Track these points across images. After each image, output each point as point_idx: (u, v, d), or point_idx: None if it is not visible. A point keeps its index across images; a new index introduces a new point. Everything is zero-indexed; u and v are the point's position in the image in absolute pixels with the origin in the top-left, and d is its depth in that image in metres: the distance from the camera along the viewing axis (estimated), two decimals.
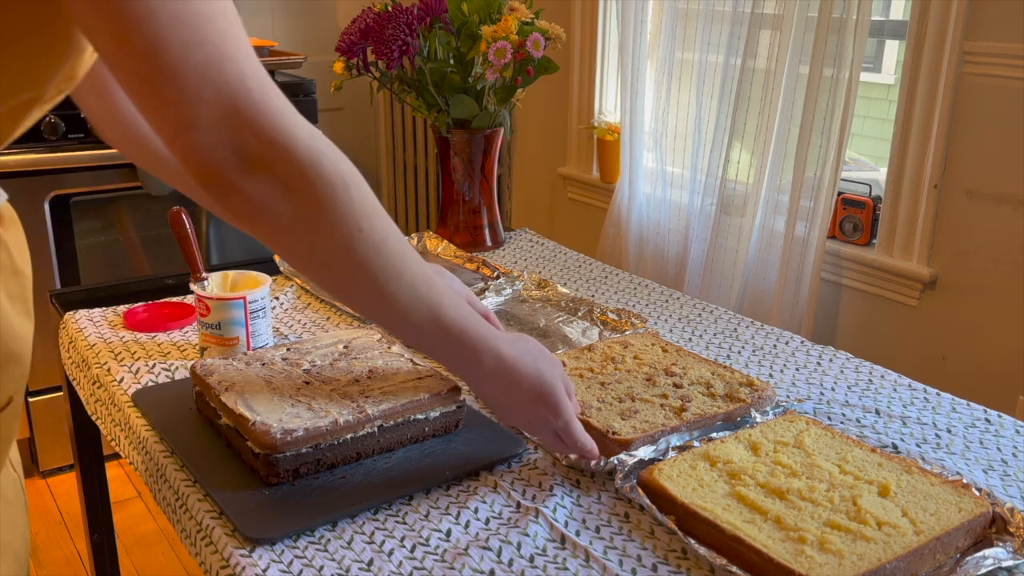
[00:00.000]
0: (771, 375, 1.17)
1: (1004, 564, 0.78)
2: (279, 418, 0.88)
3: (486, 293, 1.38)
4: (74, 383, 1.26)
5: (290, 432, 0.86)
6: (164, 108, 0.57)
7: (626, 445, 0.92)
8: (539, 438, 0.90)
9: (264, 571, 0.77)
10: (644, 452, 0.92)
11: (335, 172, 0.62)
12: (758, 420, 1.01)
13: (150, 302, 1.33)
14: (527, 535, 0.83)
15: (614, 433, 0.94)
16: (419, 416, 0.95)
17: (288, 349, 1.04)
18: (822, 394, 1.12)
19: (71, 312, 1.32)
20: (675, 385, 1.06)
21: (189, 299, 1.35)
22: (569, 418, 0.86)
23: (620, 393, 1.04)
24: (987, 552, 0.79)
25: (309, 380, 0.97)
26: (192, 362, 1.14)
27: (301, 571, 0.78)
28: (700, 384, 1.06)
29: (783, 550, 0.76)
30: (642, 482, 0.87)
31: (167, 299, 1.35)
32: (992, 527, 0.83)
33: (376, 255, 0.68)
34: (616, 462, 0.90)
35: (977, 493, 0.85)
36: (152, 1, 0.53)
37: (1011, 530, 0.82)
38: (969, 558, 0.79)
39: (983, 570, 0.77)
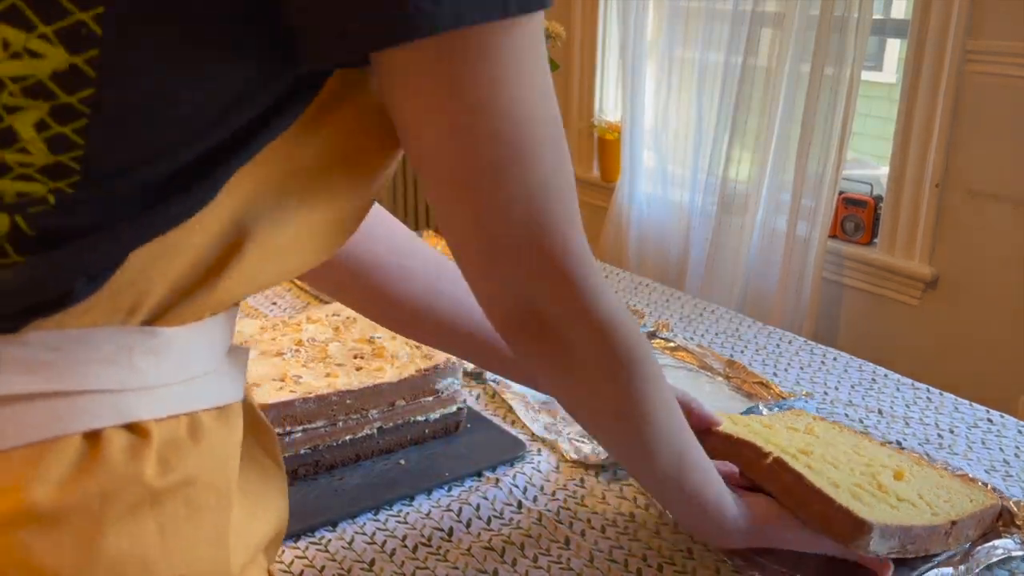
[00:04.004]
0: (775, 374, 1.17)
1: (1015, 554, 0.79)
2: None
3: None
4: None
5: (288, 433, 0.86)
6: (475, 255, 0.54)
7: None
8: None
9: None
10: None
11: (619, 344, 0.61)
12: (764, 413, 1.01)
13: None
14: (530, 536, 0.82)
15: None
16: (419, 418, 0.95)
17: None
18: (826, 393, 1.12)
19: None
20: None
21: None
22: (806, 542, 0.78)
23: None
24: (997, 543, 0.79)
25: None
26: None
27: (302, 571, 0.77)
28: None
29: (819, 481, 0.75)
30: None
31: None
32: (999, 520, 0.83)
33: (642, 427, 0.66)
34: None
35: (984, 487, 0.85)
36: (504, 159, 0.49)
37: (1018, 523, 0.82)
38: (979, 548, 0.79)
39: (995, 559, 0.77)
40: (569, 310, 0.57)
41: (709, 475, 0.73)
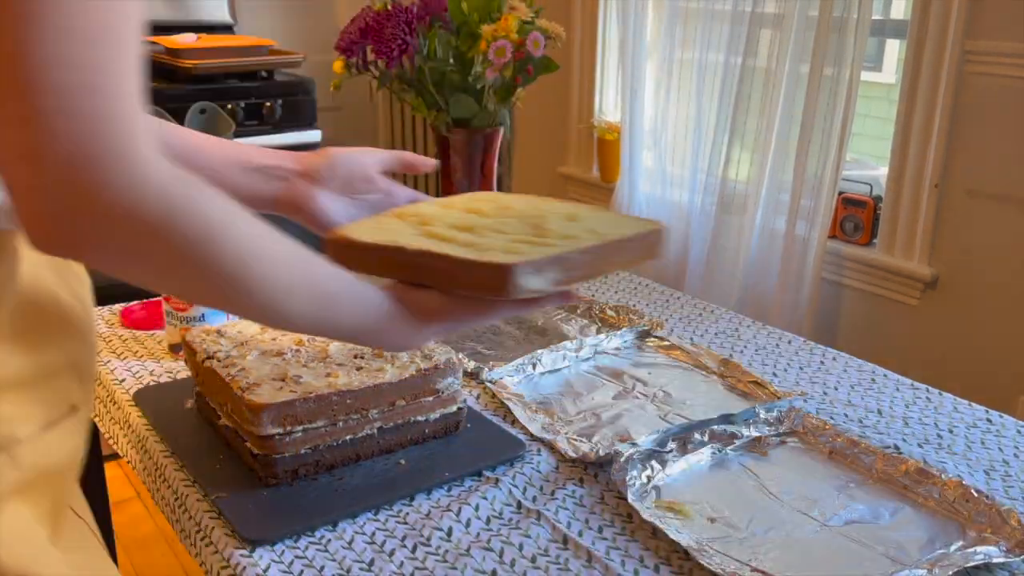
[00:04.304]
0: (774, 374, 1.17)
1: (995, 560, 0.78)
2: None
3: None
4: None
5: (288, 433, 0.86)
6: (7, 125, 0.48)
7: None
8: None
9: (265, 571, 0.77)
10: (645, 443, 0.92)
11: (185, 232, 0.54)
12: (762, 415, 1.01)
13: (147, 300, 1.32)
14: (528, 536, 0.82)
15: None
16: (419, 418, 0.95)
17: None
18: (825, 393, 1.12)
19: None
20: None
21: None
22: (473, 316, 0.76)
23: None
24: (978, 548, 0.79)
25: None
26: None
27: (302, 571, 0.77)
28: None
29: (462, 252, 0.73)
30: (328, 242, 0.80)
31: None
32: (988, 529, 0.83)
33: (249, 290, 0.61)
34: (613, 452, 0.90)
35: (655, 221, 0.85)
36: (41, 7, 0.45)
37: (1006, 530, 0.82)
38: (959, 553, 0.79)
39: (971, 563, 0.77)
40: (111, 204, 0.50)
41: (356, 298, 0.70)
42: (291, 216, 0.90)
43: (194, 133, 0.88)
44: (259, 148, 0.91)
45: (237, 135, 2.36)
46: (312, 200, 0.89)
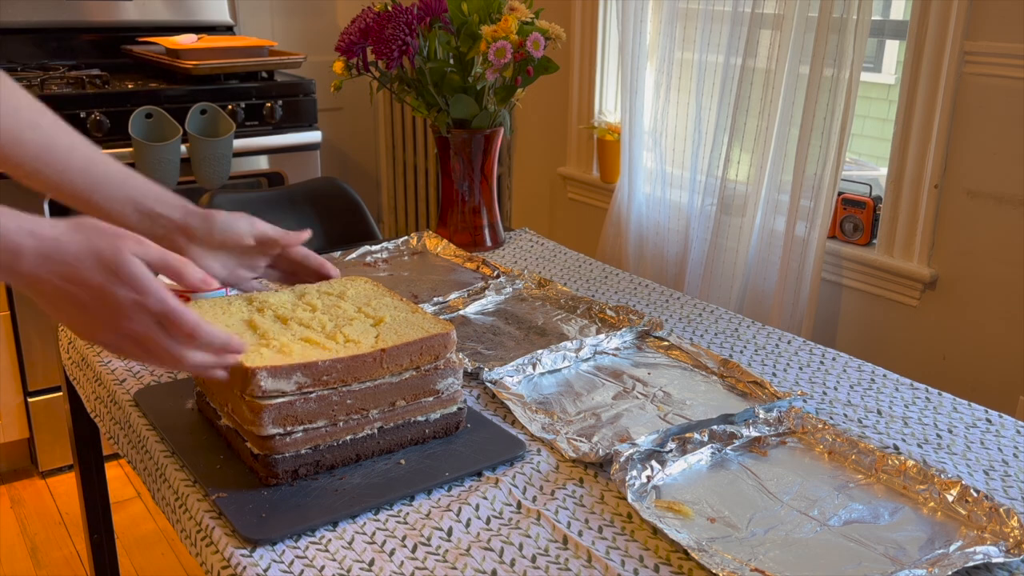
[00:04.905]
0: (774, 374, 1.17)
1: (995, 560, 0.79)
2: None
3: (486, 292, 1.38)
4: (74, 382, 1.26)
5: (289, 433, 0.86)
6: None
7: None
8: (148, 355, 0.79)
9: (265, 571, 0.77)
10: (644, 443, 0.92)
11: None
12: (761, 416, 1.01)
13: None
14: (529, 536, 0.82)
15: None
16: (419, 418, 0.95)
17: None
18: (824, 393, 1.12)
19: None
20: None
21: None
22: (160, 294, 0.77)
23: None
24: (978, 548, 0.79)
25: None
26: None
27: (302, 571, 0.77)
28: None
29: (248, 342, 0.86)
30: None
31: None
32: (988, 529, 0.83)
33: None
34: (613, 452, 0.90)
35: (444, 322, 0.95)
36: None
37: (1006, 530, 0.82)
38: (959, 553, 0.79)
39: (970, 563, 0.78)
40: None
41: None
42: None
43: (111, 161, 1.01)
44: (158, 193, 1.01)
45: (237, 136, 2.36)
46: (183, 253, 0.99)
